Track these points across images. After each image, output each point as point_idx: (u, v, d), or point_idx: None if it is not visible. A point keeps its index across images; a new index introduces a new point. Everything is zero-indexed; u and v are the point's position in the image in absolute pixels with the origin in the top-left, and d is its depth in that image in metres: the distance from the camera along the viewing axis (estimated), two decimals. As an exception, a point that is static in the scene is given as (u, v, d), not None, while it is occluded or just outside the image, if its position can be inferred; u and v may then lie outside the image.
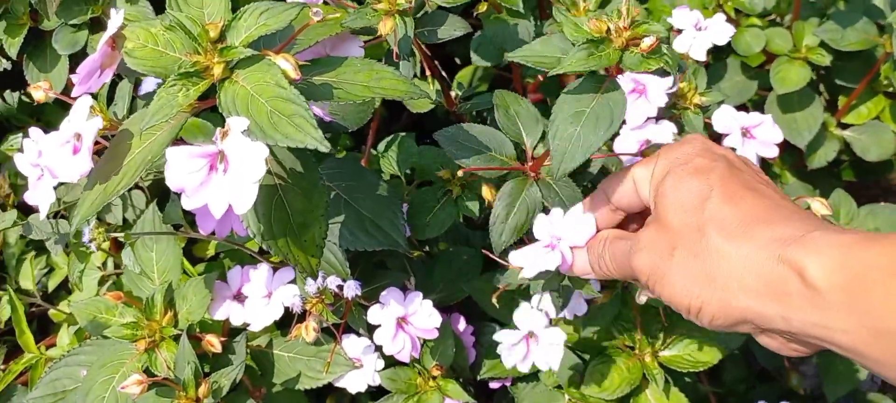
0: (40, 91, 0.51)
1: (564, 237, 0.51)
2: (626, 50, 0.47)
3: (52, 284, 0.93)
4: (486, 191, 0.65)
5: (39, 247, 0.99)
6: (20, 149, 0.55)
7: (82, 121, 0.45)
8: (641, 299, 0.52)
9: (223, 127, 0.42)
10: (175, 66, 0.44)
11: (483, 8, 0.76)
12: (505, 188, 0.61)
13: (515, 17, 0.74)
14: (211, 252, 0.92)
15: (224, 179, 0.42)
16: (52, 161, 0.46)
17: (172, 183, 0.41)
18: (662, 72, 0.52)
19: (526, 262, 0.52)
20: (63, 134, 0.47)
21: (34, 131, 0.51)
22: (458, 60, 1.07)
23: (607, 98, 0.48)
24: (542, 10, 0.85)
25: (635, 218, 0.51)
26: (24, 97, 0.85)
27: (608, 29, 0.48)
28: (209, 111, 0.77)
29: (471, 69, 1.02)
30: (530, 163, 0.62)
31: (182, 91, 0.43)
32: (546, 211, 0.55)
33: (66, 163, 0.45)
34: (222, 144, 0.42)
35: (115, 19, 0.45)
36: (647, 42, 0.47)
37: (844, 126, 0.88)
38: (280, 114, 0.41)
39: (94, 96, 0.51)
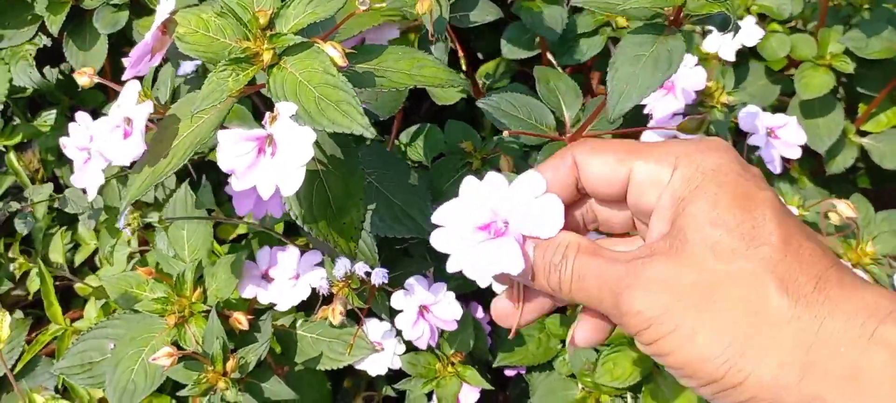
0: (85, 76, 0.52)
1: (517, 221, 0.35)
2: None
3: (78, 259, 0.95)
4: (503, 163, 0.66)
5: (65, 222, 1.01)
6: (66, 133, 0.56)
7: (132, 105, 0.47)
8: (571, 349, 0.40)
9: (272, 111, 0.43)
10: (225, 51, 0.45)
11: (517, -6, 0.77)
12: (544, 151, 0.62)
13: (551, 3, 0.75)
14: (234, 234, 0.93)
15: (272, 162, 0.43)
16: (104, 145, 0.47)
17: (224, 164, 0.42)
18: (724, 20, 0.51)
19: (456, 252, 0.35)
20: (113, 118, 0.48)
21: (81, 115, 0.52)
22: (480, 55, 1.08)
23: (667, 44, 0.48)
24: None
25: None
26: (60, 75, 0.87)
27: None
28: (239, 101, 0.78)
29: (494, 63, 1.03)
30: (569, 135, 0.63)
31: (232, 76, 0.44)
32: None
33: (118, 147, 0.46)
34: (271, 128, 0.43)
35: (166, 4, 0.46)
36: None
37: (863, 133, 0.89)
38: (328, 101, 0.42)
39: (140, 79, 0.52)
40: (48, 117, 0.90)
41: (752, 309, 0.30)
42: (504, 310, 0.39)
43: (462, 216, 0.35)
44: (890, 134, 0.86)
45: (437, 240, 0.36)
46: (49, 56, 0.87)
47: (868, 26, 0.83)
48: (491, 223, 0.35)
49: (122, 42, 0.81)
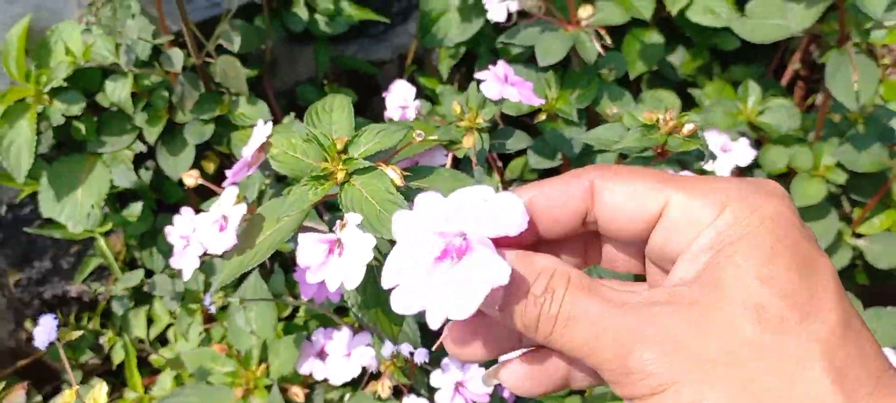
0: (191, 178, 0.62)
1: (474, 226, 0.27)
2: (670, 135, 0.57)
3: (152, 333, 1.04)
4: None
5: (139, 300, 1.11)
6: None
7: (230, 206, 0.56)
8: (490, 382, 0.31)
9: (342, 219, 0.53)
10: (308, 170, 0.54)
11: (542, 117, 0.87)
12: None
13: (570, 125, 0.85)
14: (288, 311, 1.03)
15: (340, 261, 0.52)
16: (203, 236, 0.57)
17: (302, 261, 0.51)
18: (699, 154, 0.61)
19: (406, 283, 0.28)
20: (213, 214, 0.57)
21: (185, 210, 0.62)
22: (510, 149, 1.18)
23: None
24: (591, 121, 0.95)
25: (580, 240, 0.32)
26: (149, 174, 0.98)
27: (658, 119, 0.58)
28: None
29: (522, 160, 1.13)
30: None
31: (312, 189, 0.53)
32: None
33: (215, 239, 0.56)
34: (340, 234, 0.52)
35: (263, 130, 0.56)
36: (687, 127, 0.57)
37: (859, 235, 0.95)
38: (387, 214, 0.51)
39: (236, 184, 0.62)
40: (135, 209, 1.00)
41: (795, 396, 0.24)
42: (458, 338, 0.30)
43: (410, 258, 0.27)
44: (883, 236, 0.92)
45: (391, 272, 0.28)
46: (139, 158, 0.98)
47: (860, 140, 0.90)
48: (446, 248, 0.27)
49: (205, 147, 0.93)
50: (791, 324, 0.25)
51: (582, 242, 0.32)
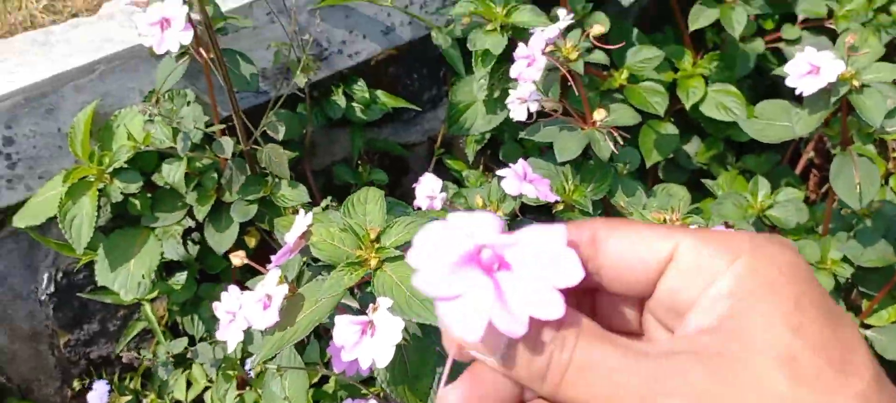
0: (238, 259, 0.68)
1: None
2: None
3: (190, 395, 1.09)
4: None
5: (178, 362, 1.16)
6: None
7: (273, 286, 0.62)
8: None
9: (374, 302, 0.58)
10: (344, 256, 0.60)
11: (560, 207, 0.92)
12: None
13: (585, 216, 0.90)
14: (317, 377, 1.07)
15: (372, 341, 0.56)
16: (249, 313, 0.62)
17: (337, 340, 0.56)
18: None
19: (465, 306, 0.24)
20: (257, 293, 0.63)
21: (232, 288, 0.67)
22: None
23: None
24: (606, 211, 1.00)
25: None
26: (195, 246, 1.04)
27: (665, 218, 0.63)
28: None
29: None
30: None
31: (347, 275, 0.59)
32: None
33: (260, 316, 0.61)
34: (372, 316, 0.57)
35: (304, 219, 0.62)
36: (693, 228, 0.61)
37: (867, 326, 0.97)
38: (415, 298, 0.56)
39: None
40: (180, 278, 1.06)
41: None
42: None
43: (454, 281, 0.24)
44: (892, 329, 0.95)
45: (422, 263, 0.24)
46: (184, 229, 1.05)
47: (866, 236, 0.94)
48: (481, 263, 0.24)
49: (248, 224, 0.99)
50: (828, 380, 0.23)
51: (575, 296, 0.28)
